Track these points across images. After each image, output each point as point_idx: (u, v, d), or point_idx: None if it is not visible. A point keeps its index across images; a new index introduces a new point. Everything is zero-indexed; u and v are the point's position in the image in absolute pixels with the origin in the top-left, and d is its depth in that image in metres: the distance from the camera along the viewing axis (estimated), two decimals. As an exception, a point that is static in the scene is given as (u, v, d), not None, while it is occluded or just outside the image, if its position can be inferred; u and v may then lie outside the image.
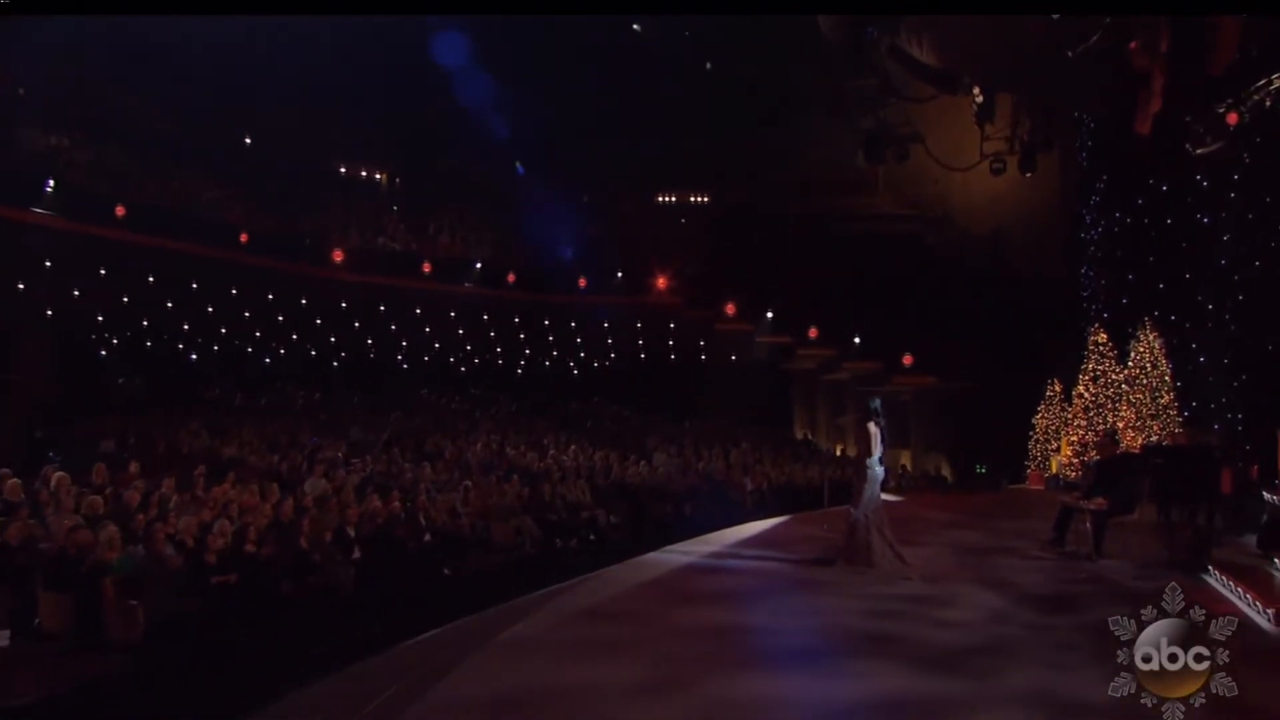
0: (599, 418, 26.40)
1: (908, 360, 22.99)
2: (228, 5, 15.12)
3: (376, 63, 21.67)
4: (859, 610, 6.70)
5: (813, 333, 24.45)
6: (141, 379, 24.68)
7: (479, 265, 25.61)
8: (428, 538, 12.05)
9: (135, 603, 7.93)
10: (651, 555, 9.31)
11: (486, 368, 29.61)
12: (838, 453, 23.46)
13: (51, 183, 17.00)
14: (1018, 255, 21.23)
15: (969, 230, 22.08)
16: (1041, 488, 18.43)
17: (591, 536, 13.77)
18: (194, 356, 26.37)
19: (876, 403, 8.71)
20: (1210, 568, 8.36)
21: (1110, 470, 9.87)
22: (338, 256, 23.13)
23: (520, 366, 30.09)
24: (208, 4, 15.15)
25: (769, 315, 24.71)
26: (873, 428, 8.53)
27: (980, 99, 17.32)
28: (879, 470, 8.53)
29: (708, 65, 16.25)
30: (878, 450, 8.52)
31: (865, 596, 7.18)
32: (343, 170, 28.40)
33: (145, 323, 22.81)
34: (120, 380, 25.04)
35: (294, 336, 25.78)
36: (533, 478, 15.93)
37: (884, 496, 8.80)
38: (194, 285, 21.06)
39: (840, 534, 8.76)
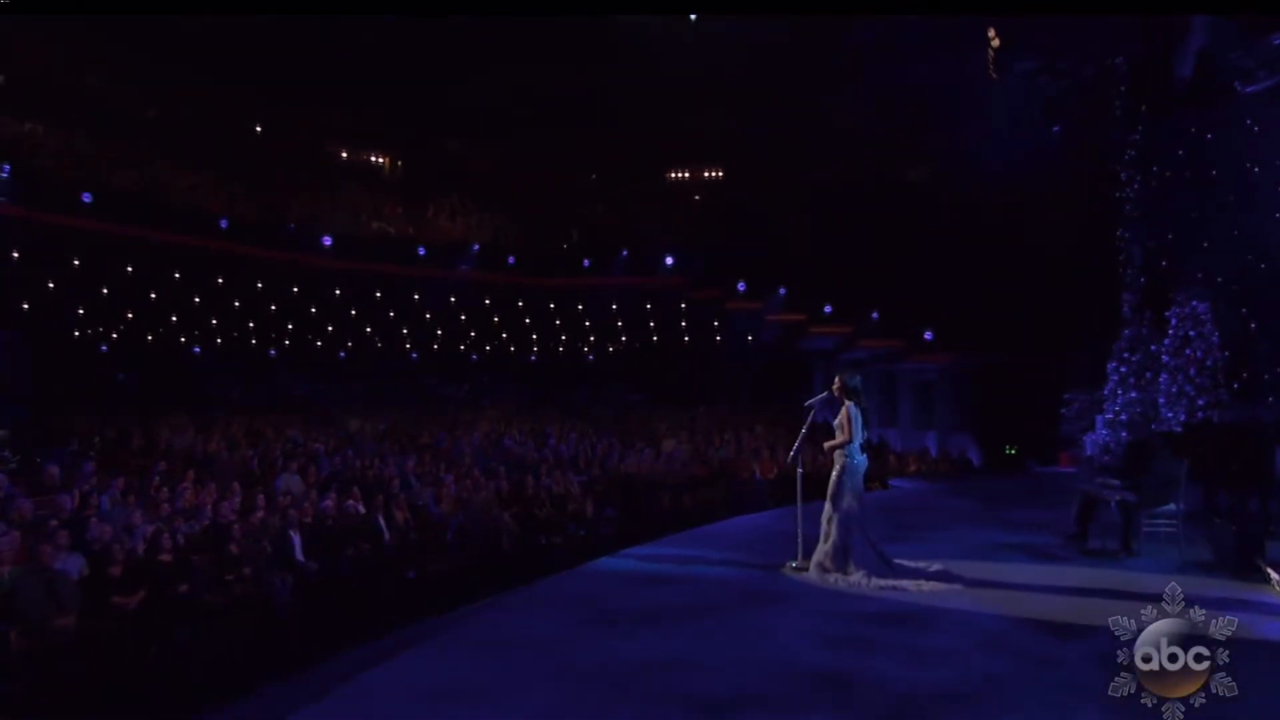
0: (608, 404, 25.46)
1: (929, 336, 21.49)
2: (227, 5, 14.33)
3: (376, 45, 20.61)
4: (818, 635, 5.39)
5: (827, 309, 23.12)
6: (139, 375, 24.16)
7: (477, 249, 24.69)
8: (387, 538, 11.14)
9: (5, 626, 7.09)
10: (604, 560, 8.10)
11: (497, 355, 28.78)
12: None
13: (9, 168, 16.25)
14: (1047, 218, 19.54)
15: (993, 193, 20.42)
16: (1074, 470, 16.92)
17: (582, 532, 12.82)
18: (196, 350, 25.83)
19: (857, 379, 7.30)
20: (1266, 569, 7.00)
21: (1143, 452, 8.53)
22: (328, 242, 22.38)
23: (532, 353, 29.20)
24: (207, 4, 14.39)
25: (781, 292, 23.38)
26: (853, 409, 7.20)
27: (996, 43, 15.86)
28: (860, 459, 7.22)
29: (691, 18, 14.88)
30: (859, 436, 7.19)
31: (830, 615, 5.87)
32: (344, 155, 27.69)
33: (130, 315, 22.12)
34: (121, 377, 24.55)
35: (289, 326, 25.04)
36: (521, 469, 15.00)
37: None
38: (176, 275, 20.34)
39: (819, 535, 7.44)
